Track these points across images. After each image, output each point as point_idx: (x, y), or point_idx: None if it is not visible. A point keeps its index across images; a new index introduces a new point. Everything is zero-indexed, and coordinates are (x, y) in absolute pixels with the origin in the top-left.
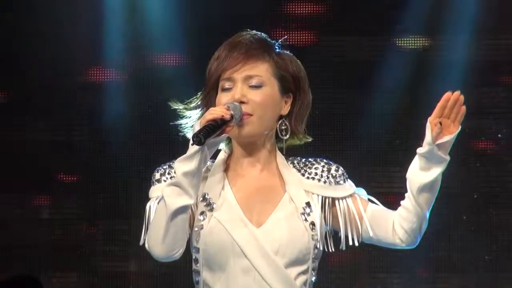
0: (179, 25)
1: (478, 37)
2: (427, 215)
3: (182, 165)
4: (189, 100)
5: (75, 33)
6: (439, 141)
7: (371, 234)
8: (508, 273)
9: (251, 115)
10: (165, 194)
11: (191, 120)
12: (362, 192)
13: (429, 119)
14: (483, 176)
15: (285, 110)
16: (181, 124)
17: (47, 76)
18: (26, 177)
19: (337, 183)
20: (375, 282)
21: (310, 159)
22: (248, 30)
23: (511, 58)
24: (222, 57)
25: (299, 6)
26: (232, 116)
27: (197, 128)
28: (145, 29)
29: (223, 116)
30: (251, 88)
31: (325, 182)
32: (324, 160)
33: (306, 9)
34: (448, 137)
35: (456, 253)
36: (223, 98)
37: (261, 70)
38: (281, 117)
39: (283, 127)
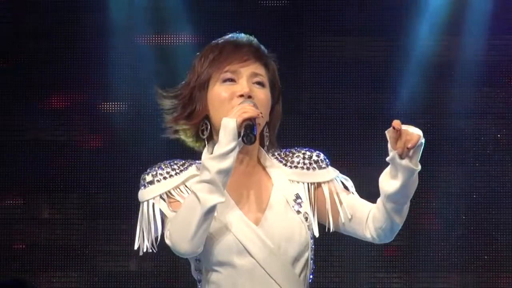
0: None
1: (478, 37)
2: (398, 220)
3: (217, 163)
4: (170, 90)
5: (78, 32)
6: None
7: (345, 223)
8: (508, 273)
9: (257, 107)
10: (199, 192)
11: (172, 107)
12: (349, 182)
13: (387, 130)
14: (483, 176)
15: (268, 117)
16: (163, 108)
17: (47, 75)
18: (26, 177)
19: (320, 167)
20: (375, 282)
21: (290, 150)
22: (238, 32)
23: (510, 58)
24: (226, 53)
25: (298, 6)
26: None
27: (232, 125)
28: (147, 28)
29: (258, 114)
30: (255, 85)
31: (308, 168)
32: (305, 149)
33: (306, 9)
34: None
35: (456, 253)
36: (223, 90)
37: (263, 72)
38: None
39: (266, 133)
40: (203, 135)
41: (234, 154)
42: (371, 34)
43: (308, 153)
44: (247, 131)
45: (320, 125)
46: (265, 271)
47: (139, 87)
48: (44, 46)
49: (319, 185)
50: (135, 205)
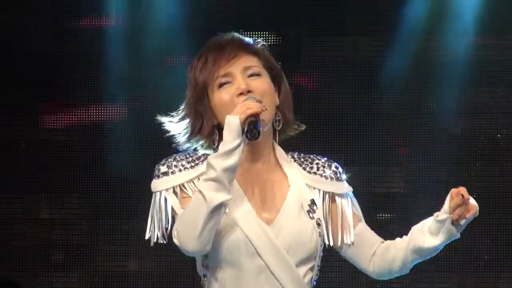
0: (184, 26)
1: (477, 37)
2: (409, 267)
3: (222, 161)
4: (172, 114)
5: (77, 32)
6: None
7: (348, 248)
8: (508, 273)
9: (260, 102)
10: (205, 190)
11: (185, 129)
12: (358, 206)
13: (452, 190)
14: (483, 176)
15: (277, 100)
16: (173, 136)
17: (47, 75)
18: (26, 177)
19: (338, 179)
20: (375, 282)
21: (309, 155)
22: (220, 33)
23: (510, 58)
24: (213, 58)
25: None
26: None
27: (235, 122)
28: (148, 29)
29: (262, 109)
30: (250, 77)
31: (326, 177)
32: (325, 158)
33: (306, 9)
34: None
35: (456, 253)
36: (224, 94)
37: (254, 61)
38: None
39: (277, 118)
40: (214, 144)
41: (239, 151)
42: (371, 34)
43: (328, 162)
44: (251, 127)
45: (319, 125)
46: (272, 272)
47: (140, 87)
48: (44, 46)
49: (333, 196)
50: (135, 205)
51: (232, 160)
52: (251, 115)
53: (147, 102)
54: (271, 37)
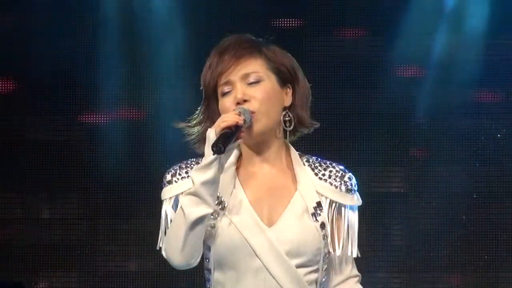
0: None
1: (478, 37)
2: None
3: (200, 175)
4: (190, 118)
5: (77, 32)
6: None
7: (328, 264)
8: (508, 273)
9: (254, 112)
10: (184, 204)
11: (197, 135)
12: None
13: None
14: (483, 176)
15: (288, 101)
16: (189, 141)
17: (47, 75)
18: (26, 177)
19: (348, 190)
20: (375, 282)
21: (326, 161)
22: (231, 34)
23: (510, 58)
24: (215, 64)
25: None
26: (244, 121)
27: (212, 136)
28: (148, 29)
29: (237, 122)
30: (250, 85)
31: (336, 187)
32: (340, 166)
33: (306, 9)
34: None
35: (456, 253)
36: (225, 102)
37: (256, 66)
38: (284, 109)
39: (286, 119)
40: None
41: (216, 164)
42: (371, 34)
43: (342, 172)
44: (219, 140)
45: (320, 124)
46: (271, 274)
47: (140, 87)
48: (45, 46)
49: (340, 207)
50: (135, 205)
51: (210, 173)
52: (226, 128)
53: (147, 103)
54: (270, 37)
